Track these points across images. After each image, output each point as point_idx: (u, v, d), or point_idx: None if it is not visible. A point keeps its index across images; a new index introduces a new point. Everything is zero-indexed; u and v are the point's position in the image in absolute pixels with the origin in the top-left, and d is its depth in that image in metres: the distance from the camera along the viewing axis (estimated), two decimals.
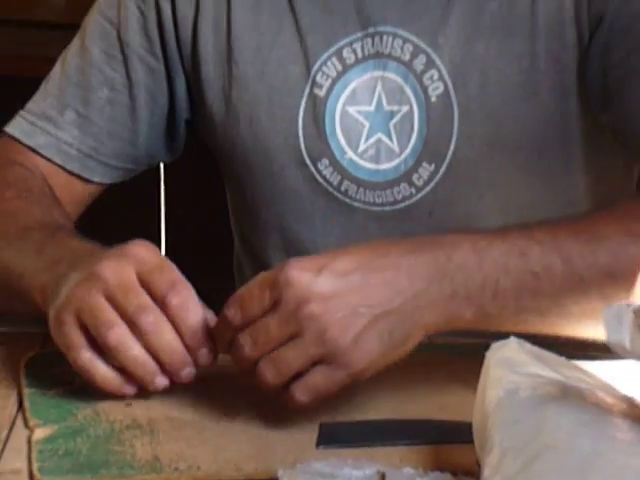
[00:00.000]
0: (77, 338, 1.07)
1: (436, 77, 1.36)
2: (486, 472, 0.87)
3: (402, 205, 1.39)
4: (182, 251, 2.38)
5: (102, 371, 1.08)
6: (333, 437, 1.05)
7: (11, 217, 1.30)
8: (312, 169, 1.40)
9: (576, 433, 0.86)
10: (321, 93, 1.39)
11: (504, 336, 0.99)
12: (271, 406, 1.07)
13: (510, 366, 0.95)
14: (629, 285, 1.10)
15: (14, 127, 1.46)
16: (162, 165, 2.21)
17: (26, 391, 1.12)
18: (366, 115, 1.38)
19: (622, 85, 1.33)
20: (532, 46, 1.36)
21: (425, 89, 1.37)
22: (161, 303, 1.06)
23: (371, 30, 1.38)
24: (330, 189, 1.41)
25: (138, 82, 1.46)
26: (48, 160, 1.44)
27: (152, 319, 1.06)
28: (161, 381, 1.07)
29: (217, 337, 1.08)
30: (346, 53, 1.39)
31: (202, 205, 2.15)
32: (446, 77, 1.36)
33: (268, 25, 1.42)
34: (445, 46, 1.36)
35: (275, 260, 1.45)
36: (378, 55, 1.38)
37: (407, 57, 1.37)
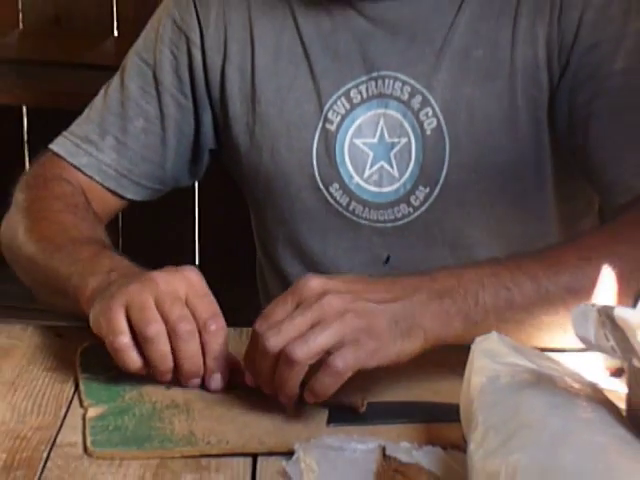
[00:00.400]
0: (121, 324, 1.07)
1: (430, 114, 1.37)
2: (471, 446, 0.88)
3: (401, 222, 1.39)
4: (213, 257, 2.40)
5: (132, 356, 1.08)
6: (341, 417, 1.06)
7: (61, 228, 1.29)
8: (325, 192, 1.40)
9: (548, 414, 0.87)
10: (332, 128, 1.39)
11: None
12: None
13: (492, 357, 0.97)
14: (587, 298, 1.11)
15: (59, 146, 1.45)
16: (197, 184, 2.21)
17: (81, 376, 1.13)
18: (370, 146, 1.39)
19: (585, 124, 1.33)
20: (511, 87, 1.36)
21: (421, 124, 1.37)
22: (202, 326, 1.07)
23: (374, 74, 1.38)
24: (340, 209, 1.40)
25: (169, 116, 1.45)
26: (89, 177, 1.43)
27: (189, 328, 1.07)
28: (168, 378, 1.09)
29: (247, 357, 1.08)
30: (353, 94, 1.39)
31: (229, 223, 2.14)
32: (439, 114, 1.36)
33: (286, 70, 1.42)
34: (438, 87, 1.37)
35: (291, 268, 1.46)
36: (381, 95, 1.38)
37: (406, 97, 1.37)
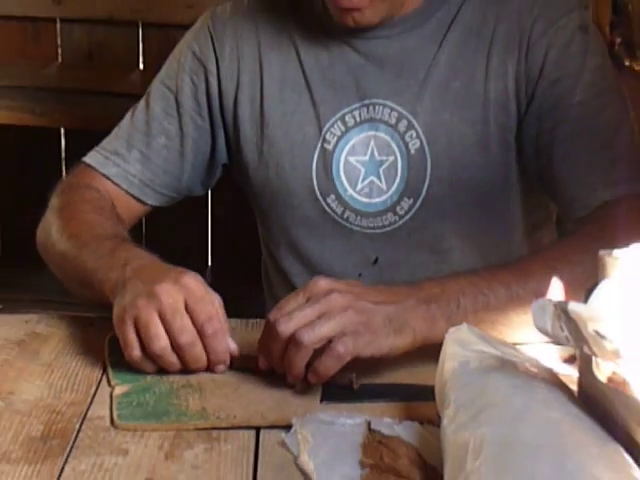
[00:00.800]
0: (132, 338, 1.08)
1: (414, 136, 1.37)
2: (444, 422, 0.89)
3: (388, 229, 1.39)
4: (224, 258, 2.40)
5: (146, 365, 1.09)
6: (332, 396, 1.06)
7: (88, 226, 1.29)
8: (322, 202, 1.40)
9: (510, 393, 0.88)
10: (329, 147, 1.39)
11: None
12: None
13: (462, 345, 0.98)
14: None
15: (91, 158, 1.45)
16: (210, 194, 2.21)
17: (109, 360, 1.13)
18: (362, 163, 1.38)
19: (550, 148, 1.33)
20: (485, 114, 1.36)
21: (406, 144, 1.37)
22: (199, 329, 1.08)
23: (366, 101, 1.38)
24: (335, 217, 1.40)
25: (188, 134, 1.45)
26: (116, 185, 1.43)
27: (189, 340, 1.07)
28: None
29: (261, 343, 1.10)
30: (348, 118, 1.39)
31: (238, 228, 2.14)
32: (422, 136, 1.36)
33: (290, 98, 1.42)
34: (421, 113, 1.37)
35: (292, 268, 1.46)
36: (372, 120, 1.38)
37: (393, 121, 1.37)
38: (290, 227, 1.45)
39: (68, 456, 0.95)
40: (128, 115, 1.48)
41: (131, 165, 1.44)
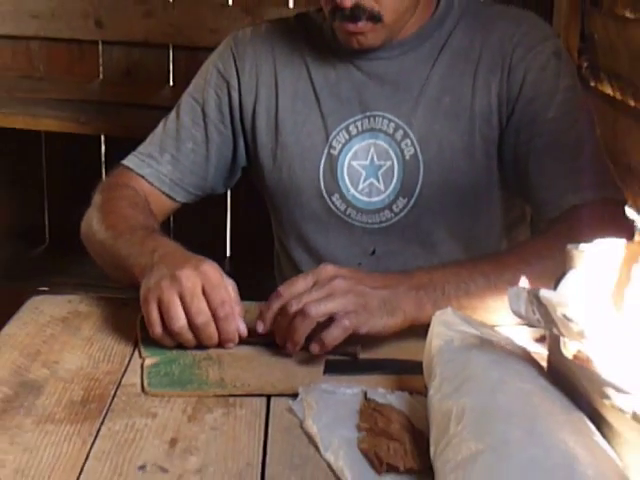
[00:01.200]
0: (155, 316, 1.08)
1: (409, 144, 1.37)
2: (431, 392, 0.89)
3: (385, 224, 1.39)
4: (241, 247, 2.40)
5: (166, 341, 1.09)
6: (334, 369, 1.07)
7: (123, 219, 1.29)
8: (328, 201, 1.40)
9: (489, 368, 0.88)
10: (335, 153, 1.39)
11: None
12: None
13: (447, 325, 0.98)
14: None
15: (129, 161, 1.45)
16: (229, 191, 2.21)
17: (140, 335, 1.13)
18: (363, 167, 1.38)
19: (526, 157, 1.33)
20: (471, 126, 1.36)
21: (402, 151, 1.37)
22: (213, 312, 1.08)
23: (368, 114, 1.38)
24: (339, 213, 1.40)
25: (212, 140, 1.45)
26: (150, 184, 1.43)
27: (204, 320, 1.07)
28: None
29: (267, 308, 1.10)
30: (351, 128, 1.39)
31: (254, 222, 2.14)
32: (416, 144, 1.36)
33: (302, 110, 1.42)
34: (415, 124, 1.37)
35: (300, 257, 1.46)
36: (372, 129, 1.38)
37: (391, 131, 1.37)
38: (299, 222, 1.45)
39: (104, 418, 0.96)
40: (161, 124, 1.48)
41: (163, 166, 1.44)
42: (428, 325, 1.00)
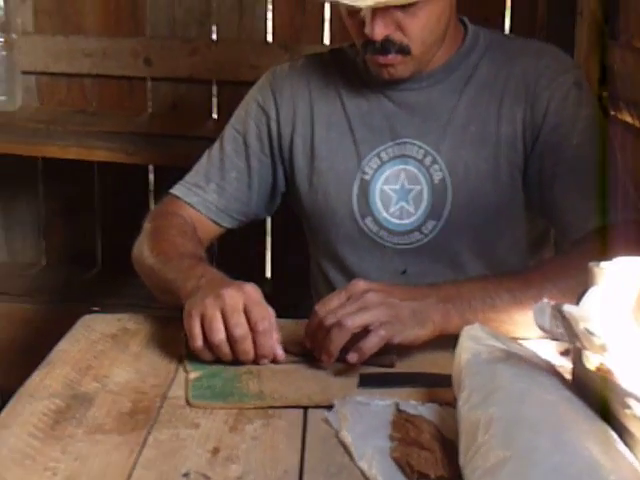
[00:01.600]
0: (197, 330, 1.09)
1: (438, 169, 1.36)
2: (460, 403, 0.89)
3: (415, 245, 1.39)
4: (280, 269, 2.40)
5: (205, 354, 1.10)
6: (367, 382, 1.06)
7: (173, 246, 1.30)
8: (361, 223, 1.40)
9: (515, 379, 0.87)
10: (367, 178, 1.39)
11: None
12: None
13: (475, 340, 0.98)
14: None
15: (177, 190, 1.46)
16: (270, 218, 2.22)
17: (184, 351, 1.13)
18: (394, 191, 1.38)
19: (551, 181, 1.33)
20: (496, 152, 1.36)
21: (431, 176, 1.37)
22: (252, 326, 1.08)
23: (398, 141, 1.38)
24: (371, 235, 1.40)
25: (254, 169, 1.46)
26: (197, 211, 1.44)
27: (242, 333, 1.08)
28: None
29: (307, 328, 1.11)
30: (383, 154, 1.39)
31: (291, 245, 2.14)
32: (444, 169, 1.36)
33: (336, 138, 1.42)
34: (443, 151, 1.37)
35: (335, 277, 1.46)
36: (402, 156, 1.38)
37: (420, 157, 1.37)
38: (334, 243, 1.45)
39: (151, 428, 0.96)
40: (205, 154, 1.49)
41: (209, 195, 1.45)
42: (457, 339, 1.00)
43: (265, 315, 1.09)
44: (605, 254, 1.03)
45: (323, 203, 1.43)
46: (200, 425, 0.97)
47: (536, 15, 2.08)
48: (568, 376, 0.92)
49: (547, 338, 1.04)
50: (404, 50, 1.30)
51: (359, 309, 1.08)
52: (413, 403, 0.99)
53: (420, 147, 1.38)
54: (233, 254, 2.20)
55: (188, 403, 1.02)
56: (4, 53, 2.22)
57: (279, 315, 1.12)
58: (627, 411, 0.77)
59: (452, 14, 1.36)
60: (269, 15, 2.25)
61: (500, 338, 0.98)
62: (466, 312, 1.12)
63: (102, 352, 1.16)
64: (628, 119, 1.83)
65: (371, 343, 1.06)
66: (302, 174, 1.45)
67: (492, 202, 1.37)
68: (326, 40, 2.24)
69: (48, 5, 2.31)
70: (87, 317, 1.27)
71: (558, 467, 0.73)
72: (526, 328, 1.11)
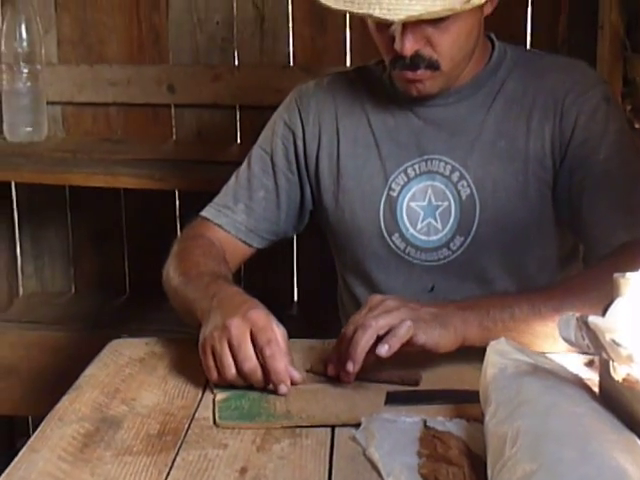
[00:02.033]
0: (211, 365, 1.11)
1: (465, 185, 1.37)
2: (487, 417, 0.90)
3: (443, 262, 1.40)
4: (308, 289, 2.40)
5: (225, 383, 1.11)
6: (394, 400, 1.07)
7: (195, 266, 1.32)
8: (388, 240, 1.41)
9: (541, 392, 0.88)
10: (394, 194, 1.40)
11: None
12: (357, 381, 1.11)
13: (501, 354, 0.98)
14: None
15: (206, 212, 1.48)
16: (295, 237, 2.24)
17: None
18: (422, 207, 1.39)
19: (579, 196, 1.33)
20: (525, 168, 1.37)
21: (458, 192, 1.38)
22: (260, 351, 1.09)
23: (425, 157, 1.39)
24: (399, 252, 1.41)
25: (282, 188, 1.48)
26: (227, 232, 1.45)
27: (251, 366, 1.09)
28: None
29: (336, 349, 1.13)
30: (409, 170, 1.40)
31: (319, 264, 2.14)
32: (472, 185, 1.37)
33: (362, 155, 1.43)
34: (471, 167, 1.37)
35: (362, 294, 1.46)
36: (429, 172, 1.39)
37: (447, 173, 1.38)
38: (361, 260, 1.46)
39: (179, 449, 0.98)
40: (233, 176, 1.51)
41: (238, 215, 1.46)
42: (482, 353, 1.00)
43: (271, 338, 1.09)
44: (631, 269, 1.03)
45: (350, 220, 1.44)
46: (228, 445, 0.98)
47: (557, 30, 2.09)
48: (595, 388, 0.92)
49: (573, 351, 1.04)
50: (433, 65, 1.31)
51: (381, 313, 1.10)
52: (440, 419, 1.00)
53: (447, 163, 1.39)
54: (259, 277, 2.21)
55: (215, 424, 1.03)
56: (29, 84, 2.25)
57: (306, 335, 1.14)
58: None
59: (480, 30, 1.37)
60: (290, 38, 2.27)
61: (526, 352, 0.99)
62: (484, 320, 1.13)
63: (130, 375, 1.18)
64: None
65: (401, 332, 1.08)
66: (328, 192, 1.46)
67: (520, 218, 1.37)
68: (348, 62, 2.26)
69: (71, 35, 2.34)
70: (115, 342, 1.29)
71: (585, 478, 0.73)
72: (546, 339, 1.13)
